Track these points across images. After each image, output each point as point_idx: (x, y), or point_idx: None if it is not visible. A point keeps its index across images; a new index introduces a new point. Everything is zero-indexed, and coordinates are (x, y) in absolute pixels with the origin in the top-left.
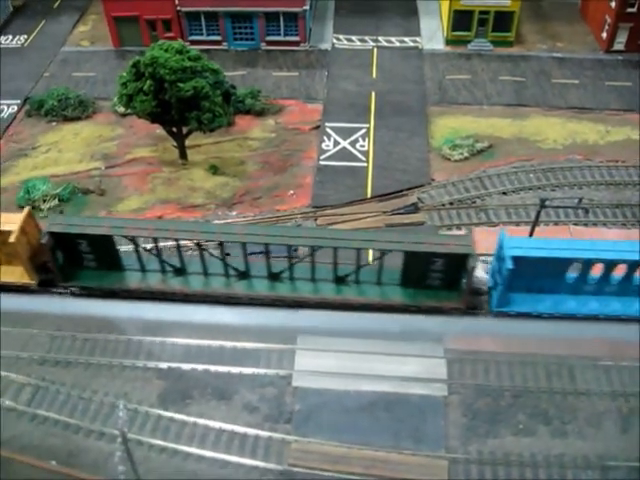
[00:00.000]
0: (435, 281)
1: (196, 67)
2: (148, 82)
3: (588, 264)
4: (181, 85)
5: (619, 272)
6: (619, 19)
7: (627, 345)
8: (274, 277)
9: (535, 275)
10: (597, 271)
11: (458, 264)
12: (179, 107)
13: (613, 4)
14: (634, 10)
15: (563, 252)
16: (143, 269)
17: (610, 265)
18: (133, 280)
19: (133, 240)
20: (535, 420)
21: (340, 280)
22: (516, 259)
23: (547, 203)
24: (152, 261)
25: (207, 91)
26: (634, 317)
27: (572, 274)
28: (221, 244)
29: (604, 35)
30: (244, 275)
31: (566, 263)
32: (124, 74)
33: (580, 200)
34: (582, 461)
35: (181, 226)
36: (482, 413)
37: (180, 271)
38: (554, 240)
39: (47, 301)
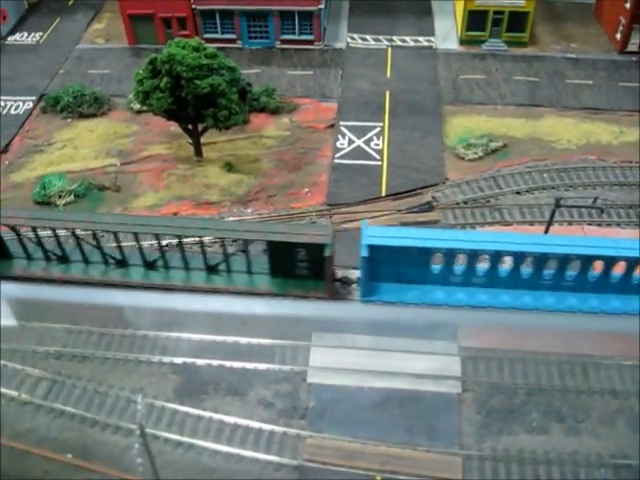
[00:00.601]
0: (302, 270)
1: (213, 64)
2: (165, 79)
3: (451, 255)
4: (198, 82)
5: (484, 264)
6: (633, 20)
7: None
8: (149, 265)
9: (401, 265)
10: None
11: (319, 254)
12: (195, 104)
13: (628, 5)
14: None
15: (423, 242)
16: (29, 257)
17: (474, 256)
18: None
19: (14, 229)
20: (548, 418)
21: (211, 269)
22: (373, 248)
23: (562, 202)
24: (36, 250)
25: (223, 88)
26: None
27: (438, 265)
28: (94, 234)
29: (618, 36)
30: (121, 263)
31: (428, 253)
32: (140, 71)
33: (595, 200)
34: (595, 459)
35: (57, 216)
36: (496, 410)
37: (63, 259)
38: (419, 230)
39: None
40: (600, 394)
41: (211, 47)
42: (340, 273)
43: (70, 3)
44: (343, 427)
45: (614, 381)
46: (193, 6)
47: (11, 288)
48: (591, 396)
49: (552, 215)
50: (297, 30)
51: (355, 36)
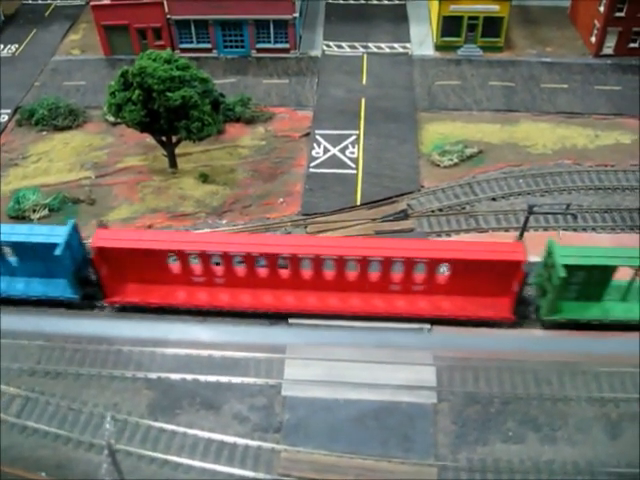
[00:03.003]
0: None
1: (184, 76)
2: (137, 92)
3: None
4: (169, 94)
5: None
6: (608, 23)
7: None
8: None
9: None
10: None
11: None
12: (168, 116)
13: (602, 9)
14: (622, 14)
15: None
16: None
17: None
18: None
19: None
20: (525, 427)
21: None
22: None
23: (535, 209)
24: None
25: (195, 100)
26: None
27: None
28: None
29: (593, 39)
30: None
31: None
32: (113, 83)
33: (568, 206)
34: (572, 467)
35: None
36: (472, 420)
37: None
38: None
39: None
40: (576, 401)
41: (183, 59)
42: None
43: (47, 14)
44: (318, 440)
45: (590, 388)
46: (168, 16)
47: None
48: (567, 403)
49: (525, 222)
50: (272, 39)
51: (331, 43)
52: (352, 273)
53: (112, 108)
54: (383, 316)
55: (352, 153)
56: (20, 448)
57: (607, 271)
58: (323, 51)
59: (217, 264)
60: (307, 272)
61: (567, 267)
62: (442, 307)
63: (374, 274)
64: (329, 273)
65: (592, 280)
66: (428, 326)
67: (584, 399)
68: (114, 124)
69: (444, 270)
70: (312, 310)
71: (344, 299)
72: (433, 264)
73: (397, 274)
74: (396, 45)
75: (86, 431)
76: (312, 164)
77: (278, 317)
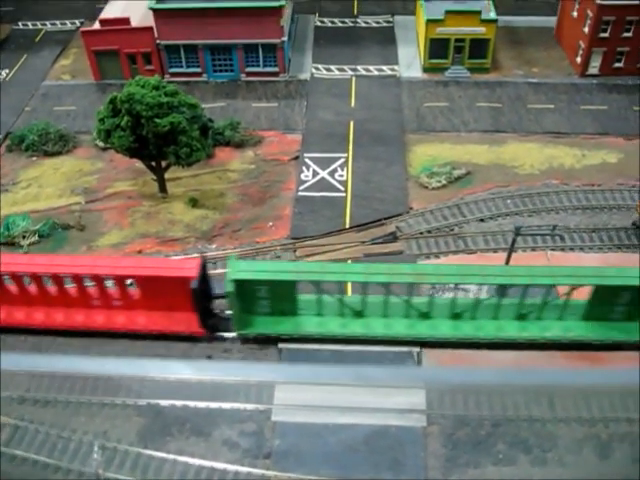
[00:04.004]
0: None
1: (173, 102)
2: (125, 118)
3: None
4: (158, 121)
5: None
6: (592, 44)
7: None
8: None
9: None
10: None
11: None
12: (157, 142)
13: (586, 29)
14: (607, 35)
15: None
16: None
17: None
18: None
19: None
20: (515, 449)
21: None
22: None
23: (523, 230)
24: None
25: (184, 126)
26: None
27: None
28: None
29: (579, 60)
30: None
31: None
32: (102, 109)
33: (554, 227)
34: None
35: None
36: (462, 443)
37: None
38: None
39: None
40: (566, 422)
41: (171, 85)
42: None
43: (37, 39)
44: (308, 465)
45: (580, 408)
46: (157, 41)
47: None
48: (557, 425)
49: (512, 244)
50: (261, 62)
51: (320, 67)
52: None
53: (101, 134)
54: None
55: (341, 176)
56: (9, 477)
57: (289, 286)
58: (312, 74)
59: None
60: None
61: (239, 282)
62: (137, 322)
63: (73, 289)
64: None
65: (279, 295)
66: (417, 349)
67: (574, 419)
68: (104, 149)
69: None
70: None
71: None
72: (117, 280)
73: (94, 289)
74: (384, 68)
75: (75, 459)
76: (301, 187)
77: None
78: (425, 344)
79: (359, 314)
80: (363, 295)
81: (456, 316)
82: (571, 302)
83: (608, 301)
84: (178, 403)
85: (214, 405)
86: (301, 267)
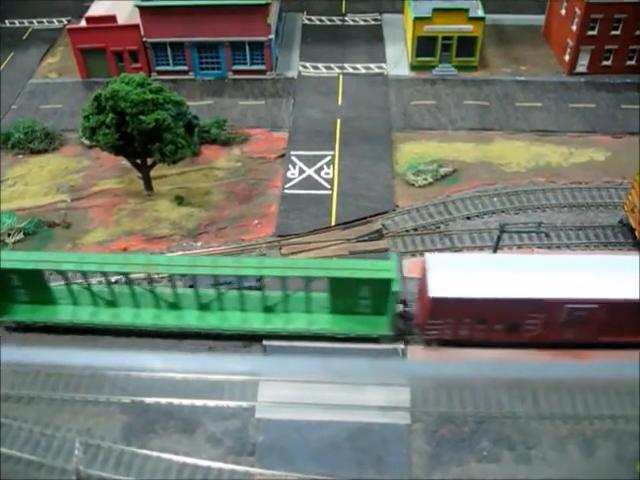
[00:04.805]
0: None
1: (158, 99)
2: (110, 115)
3: None
4: (142, 118)
5: None
6: (580, 42)
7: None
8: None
9: None
10: None
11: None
12: (141, 139)
13: (574, 27)
14: (595, 33)
15: None
16: None
17: None
18: None
19: None
20: (499, 446)
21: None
22: None
23: (508, 227)
24: None
25: (169, 123)
26: None
27: None
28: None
29: (567, 58)
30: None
31: None
32: (86, 107)
33: (539, 224)
34: None
35: None
36: (446, 440)
37: None
38: None
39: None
40: (550, 419)
41: (156, 82)
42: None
43: (24, 37)
44: (292, 462)
45: (564, 405)
46: (144, 39)
47: None
48: (541, 422)
49: (497, 241)
50: (249, 60)
51: (307, 64)
52: None
53: (86, 132)
54: None
55: (327, 174)
56: None
57: (36, 275)
58: (299, 72)
59: None
60: None
61: None
62: None
63: None
64: None
65: (31, 284)
66: (402, 346)
67: (558, 416)
68: (90, 147)
69: None
70: None
71: None
72: None
73: None
74: (372, 65)
75: (59, 457)
76: (287, 185)
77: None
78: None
79: (111, 304)
80: (110, 285)
81: (203, 307)
82: (318, 296)
83: (349, 295)
84: (162, 400)
85: (198, 402)
86: (48, 257)
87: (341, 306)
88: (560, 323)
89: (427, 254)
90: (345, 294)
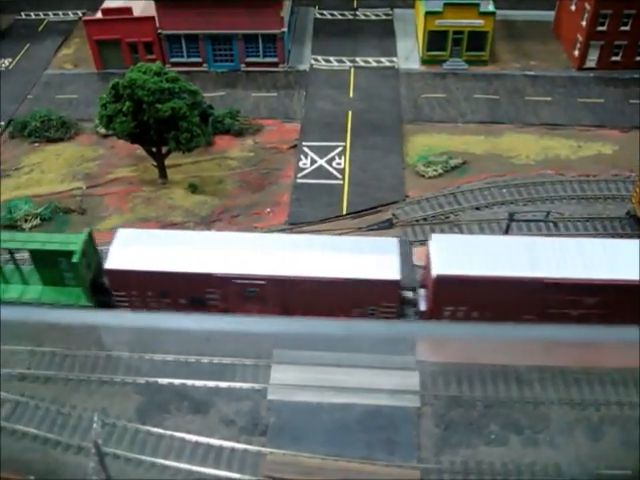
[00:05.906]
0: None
1: (174, 88)
2: (127, 103)
3: None
4: (159, 106)
5: None
6: (590, 37)
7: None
8: None
9: None
10: None
11: None
12: (157, 128)
13: (584, 23)
14: (604, 28)
15: None
16: None
17: None
18: None
19: None
20: (507, 430)
21: None
22: None
23: (516, 216)
24: None
25: (185, 111)
26: None
27: None
28: None
29: (576, 53)
30: None
31: None
32: (104, 95)
33: (548, 214)
34: (553, 470)
35: None
36: (454, 424)
37: None
38: None
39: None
40: (558, 404)
41: (172, 71)
42: None
43: (40, 29)
44: (303, 443)
45: (571, 391)
46: (159, 31)
47: None
48: (549, 407)
49: (507, 230)
50: (261, 53)
51: (319, 58)
52: None
53: (103, 119)
54: None
55: (338, 164)
56: (9, 451)
57: None
58: (311, 65)
59: None
60: None
61: None
62: None
63: None
64: None
65: None
66: None
67: (565, 402)
68: (105, 136)
69: None
70: None
71: None
72: None
73: None
74: (383, 59)
75: (75, 434)
76: (299, 175)
77: None
78: None
79: None
80: None
81: None
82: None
83: (49, 267)
84: (176, 381)
85: (211, 384)
86: None
87: (49, 278)
88: (237, 298)
89: None
90: (45, 266)
